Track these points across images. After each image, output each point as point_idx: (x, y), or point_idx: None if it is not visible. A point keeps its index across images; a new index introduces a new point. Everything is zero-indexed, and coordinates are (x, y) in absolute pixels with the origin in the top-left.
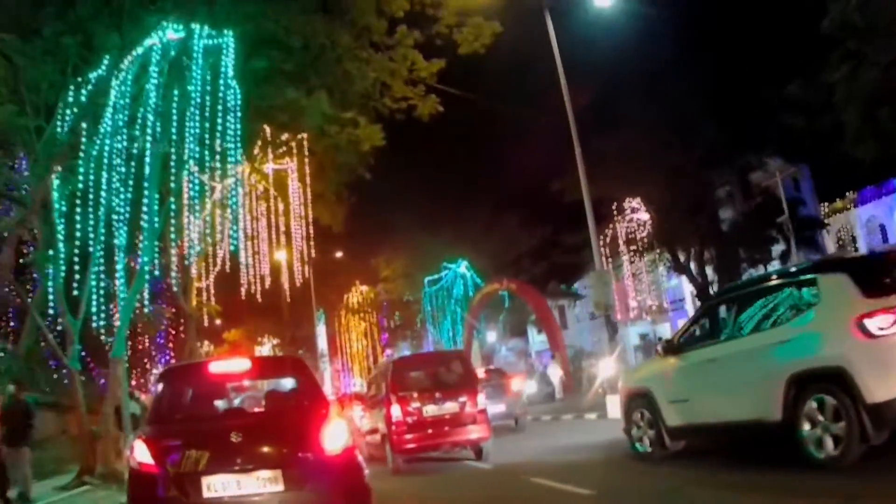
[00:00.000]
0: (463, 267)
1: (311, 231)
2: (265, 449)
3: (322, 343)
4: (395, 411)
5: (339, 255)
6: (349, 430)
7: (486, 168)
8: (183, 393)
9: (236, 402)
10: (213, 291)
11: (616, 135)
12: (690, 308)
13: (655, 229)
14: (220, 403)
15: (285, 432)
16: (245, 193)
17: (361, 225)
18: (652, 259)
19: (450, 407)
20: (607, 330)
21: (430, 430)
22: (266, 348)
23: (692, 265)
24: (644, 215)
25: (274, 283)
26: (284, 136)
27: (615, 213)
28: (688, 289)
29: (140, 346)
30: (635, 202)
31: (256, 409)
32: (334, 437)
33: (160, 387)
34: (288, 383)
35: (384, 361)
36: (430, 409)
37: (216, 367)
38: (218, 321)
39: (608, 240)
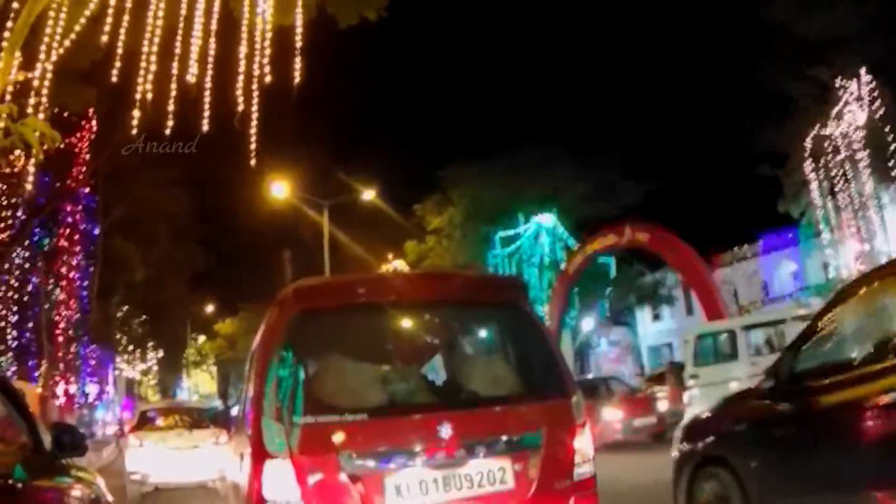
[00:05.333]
0: (547, 219)
1: None
2: None
3: None
4: (272, 485)
5: (368, 195)
6: None
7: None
8: None
9: None
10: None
11: None
12: None
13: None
14: None
15: None
16: None
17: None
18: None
19: (486, 471)
20: None
21: None
22: None
23: None
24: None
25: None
26: None
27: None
28: None
29: None
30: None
31: None
32: None
33: None
34: None
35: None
36: (413, 483)
37: None
38: (210, 308)
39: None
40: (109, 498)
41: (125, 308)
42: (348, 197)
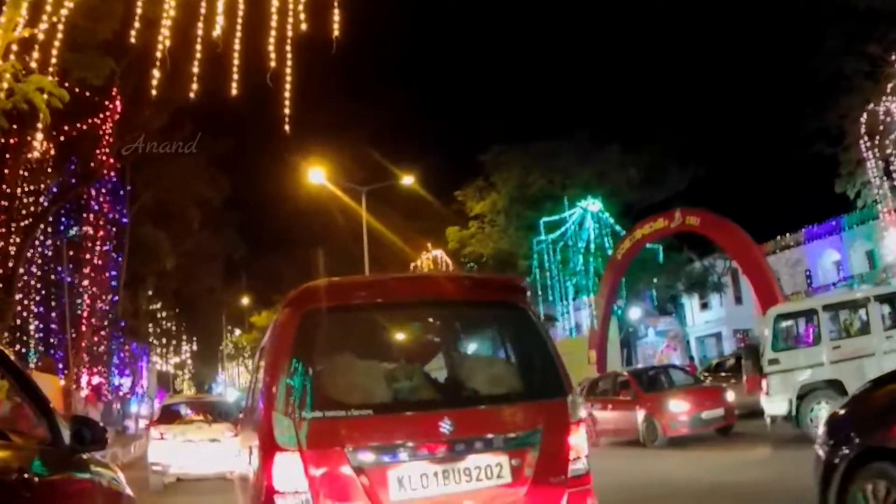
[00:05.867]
0: (593, 205)
1: None
2: None
3: None
4: (282, 477)
5: (407, 181)
6: None
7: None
8: None
9: None
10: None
11: None
12: None
13: None
14: None
15: None
16: None
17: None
18: None
19: (484, 465)
20: None
21: None
22: None
23: None
24: None
25: None
26: None
27: None
28: None
29: None
30: None
31: None
32: None
33: None
34: None
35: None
36: (414, 476)
37: None
38: (245, 300)
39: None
40: (129, 492)
41: (157, 300)
42: (386, 183)
